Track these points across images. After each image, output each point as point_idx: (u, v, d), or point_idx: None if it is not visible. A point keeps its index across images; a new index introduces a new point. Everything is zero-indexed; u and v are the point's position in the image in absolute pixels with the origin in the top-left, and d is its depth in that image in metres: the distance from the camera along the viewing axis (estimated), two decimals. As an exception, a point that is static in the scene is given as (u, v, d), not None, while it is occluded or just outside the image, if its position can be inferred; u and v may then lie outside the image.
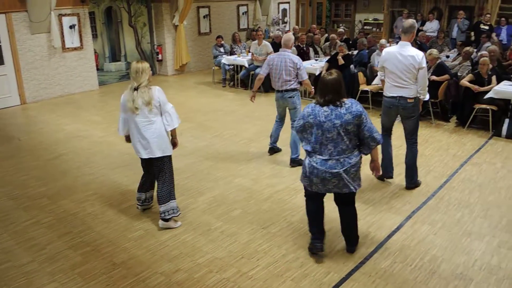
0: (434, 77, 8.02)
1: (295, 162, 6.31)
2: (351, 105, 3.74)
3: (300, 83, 6.32)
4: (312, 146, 3.90)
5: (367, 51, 10.13)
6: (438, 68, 8.12)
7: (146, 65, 4.50)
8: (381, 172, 4.29)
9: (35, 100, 10.35)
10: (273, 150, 6.79)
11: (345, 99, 3.79)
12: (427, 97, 5.12)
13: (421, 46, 10.73)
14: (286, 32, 14.74)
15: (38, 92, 10.40)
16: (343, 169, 3.80)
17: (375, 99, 9.19)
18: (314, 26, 14.27)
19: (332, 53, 10.22)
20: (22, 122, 9.05)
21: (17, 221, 5.01)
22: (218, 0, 14.09)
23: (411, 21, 5.21)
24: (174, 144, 4.79)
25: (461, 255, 4.18)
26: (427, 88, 5.27)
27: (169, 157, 4.67)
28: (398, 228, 4.66)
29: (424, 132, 7.67)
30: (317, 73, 9.81)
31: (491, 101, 7.50)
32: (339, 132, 3.74)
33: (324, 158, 3.84)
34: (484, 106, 7.60)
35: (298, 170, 6.16)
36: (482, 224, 4.71)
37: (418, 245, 4.35)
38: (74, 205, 5.35)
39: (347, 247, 4.26)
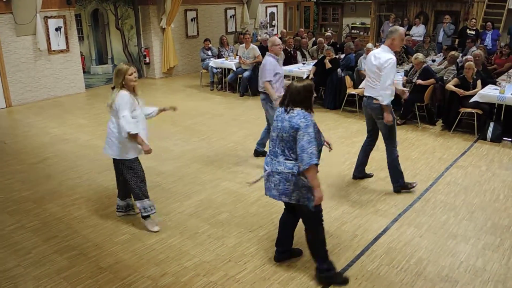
0: (420, 81, 8.13)
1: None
2: (296, 115, 3.57)
3: None
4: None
5: (354, 55, 10.21)
6: (424, 72, 8.21)
7: (124, 67, 4.41)
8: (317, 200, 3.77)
9: (21, 103, 10.23)
10: (257, 152, 6.83)
11: (297, 108, 3.62)
12: (385, 101, 5.15)
13: (407, 50, 10.86)
14: (273, 36, 14.86)
15: (23, 95, 10.29)
16: (271, 171, 3.73)
17: (362, 103, 9.26)
18: (302, 29, 14.36)
19: (320, 57, 10.28)
20: (7, 125, 8.94)
21: (2, 225, 4.94)
22: (206, 3, 14.10)
23: (394, 27, 5.38)
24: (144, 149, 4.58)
25: (447, 257, 4.22)
26: (388, 93, 5.17)
27: (125, 161, 4.59)
28: (384, 231, 4.69)
29: (411, 136, 7.75)
30: (304, 76, 9.84)
31: (476, 105, 7.59)
32: (278, 135, 3.69)
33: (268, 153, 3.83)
34: (469, 109, 7.70)
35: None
36: (468, 227, 4.77)
37: (404, 247, 4.39)
38: (60, 209, 5.29)
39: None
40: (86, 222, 4.99)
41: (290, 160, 3.64)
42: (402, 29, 5.34)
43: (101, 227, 4.86)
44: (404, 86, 8.29)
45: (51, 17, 10.42)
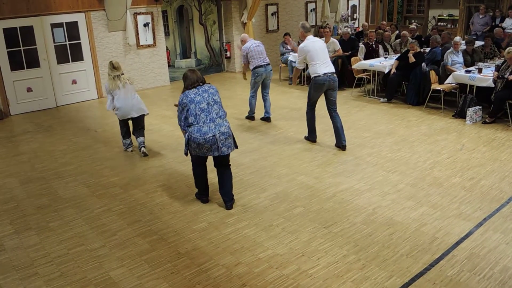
0: (513, 77, 7.55)
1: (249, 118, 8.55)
2: (208, 84, 4.98)
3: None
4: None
5: (440, 48, 9.70)
6: (518, 67, 7.62)
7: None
8: None
9: (111, 94, 10.91)
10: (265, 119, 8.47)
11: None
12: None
13: (497, 43, 10.13)
14: (355, 30, 14.52)
15: (113, 87, 10.95)
16: (215, 134, 4.76)
17: (447, 99, 8.81)
18: (384, 22, 13.90)
19: (403, 51, 9.90)
20: (98, 115, 9.60)
21: (91, 207, 5.34)
22: (287, -3, 14.09)
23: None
24: None
25: (537, 267, 3.92)
26: None
27: (146, 114, 7.01)
28: (467, 235, 4.44)
29: (500, 135, 7.24)
30: (386, 71, 9.55)
31: None
32: (209, 102, 4.80)
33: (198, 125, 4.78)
34: None
35: (362, 170, 6.06)
36: (563, 236, 4.38)
37: (488, 254, 4.13)
38: (144, 195, 5.61)
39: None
40: (167, 208, 5.24)
41: (223, 118, 4.88)
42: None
43: (181, 214, 5.08)
44: (495, 82, 7.77)
45: (140, 13, 10.99)
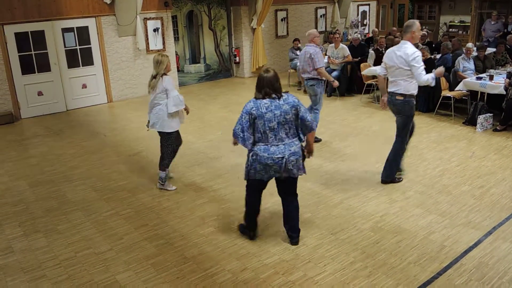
0: (524, 84, 7.47)
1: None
2: (287, 97, 4.18)
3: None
4: (256, 136, 4.19)
5: (451, 55, 9.64)
6: (530, 75, 7.54)
7: (165, 58, 5.49)
8: (312, 156, 4.56)
9: (121, 99, 11.00)
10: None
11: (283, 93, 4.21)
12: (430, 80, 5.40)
13: (510, 50, 10.04)
14: (365, 35, 14.49)
15: (123, 92, 11.05)
16: (285, 155, 4.11)
17: (458, 106, 8.75)
18: (395, 28, 13.84)
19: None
20: (108, 119, 9.66)
21: (99, 211, 5.36)
22: (296, 3, 14.11)
23: (410, 21, 5.43)
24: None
25: (547, 277, 3.86)
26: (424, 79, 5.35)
27: (166, 134, 5.63)
28: (476, 244, 4.39)
29: (511, 143, 7.16)
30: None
31: None
32: (279, 121, 4.09)
33: (265, 144, 4.15)
34: None
35: (370, 177, 6.02)
36: None
37: (497, 263, 4.08)
38: (151, 199, 5.62)
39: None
40: (174, 213, 5.24)
41: (292, 137, 4.19)
42: (418, 21, 5.47)
43: (188, 219, 5.08)
44: (506, 89, 7.69)
45: (150, 18, 11.07)
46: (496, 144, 7.12)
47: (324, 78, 7.24)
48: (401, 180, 5.82)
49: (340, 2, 15.10)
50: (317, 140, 7.39)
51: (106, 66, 10.66)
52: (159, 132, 5.68)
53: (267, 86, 4.15)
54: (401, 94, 5.42)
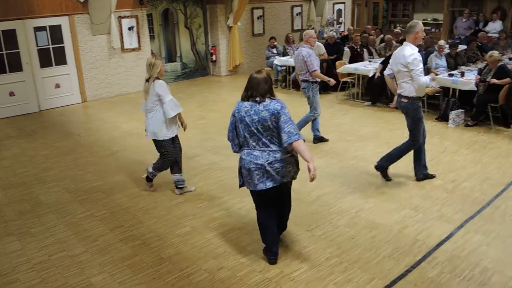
0: (494, 80, 7.64)
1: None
2: (270, 103, 3.80)
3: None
4: (240, 140, 3.99)
5: (424, 52, 9.80)
6: (499, 71, 7.71)
7: (158, 61, 5.21)
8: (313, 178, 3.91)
9: (95, 99, 10.85)
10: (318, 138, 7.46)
11: (267, 98, 3.83)
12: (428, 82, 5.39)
13: (481, 47, 10.27)
14: (341, 34, 14.60)
15: (98, 91, 10.90)
16: (267, 162, 3.84)
17: (430, 102, 8.90)
18: (369, 26, 14.01)
19: (387, 55, 9.99)
20: (82, 119, 9.52)
21: (73, 213, 5.29)
22: (272, 1, 14.15)
23: (413, 21, 5.36)
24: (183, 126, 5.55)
25: (516, 268, 3.97)
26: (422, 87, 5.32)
27: (161, 141, 5.33)
28: (448, 237, 4.49)
29: (482, 138, 7.34)
30: (370, 74, 9.62)
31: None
32: (257, 128, 3.81)
33: (249, 149, 3.93)
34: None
35: (345, 173, 6.08)
36: (541, 237, 4.45)
37: (469, 255, 4.18)
38: (127, 200, 5.56)
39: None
40: (150, 213, 5.21)
41: (278, 145, 3.85)
42: (421, 22, 5.41)
43: (164, 219, 5.05)
44: (477, 85, 7.87)
45: (124, 16, 10.94)
46: (468, 139, 7.29)
47: (318, 80, 7.01)
48: (434, 176, 5.82)
49: (315, 0, 15.20)
50: (324, 140, 7.42)
51: (80, 65, 10.49)
52: (153, 140, 5.41)
53: (254, 87, 3.84)
54: (405, 97, 5.42)
